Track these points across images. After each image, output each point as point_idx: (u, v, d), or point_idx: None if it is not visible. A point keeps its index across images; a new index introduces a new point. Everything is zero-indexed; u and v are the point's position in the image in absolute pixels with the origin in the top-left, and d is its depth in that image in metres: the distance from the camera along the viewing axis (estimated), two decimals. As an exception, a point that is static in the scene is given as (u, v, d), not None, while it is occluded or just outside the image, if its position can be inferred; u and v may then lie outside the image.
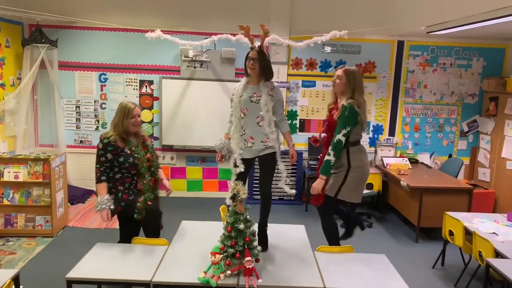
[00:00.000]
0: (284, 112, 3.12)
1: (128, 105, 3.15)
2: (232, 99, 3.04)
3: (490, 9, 3.83)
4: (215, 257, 2.55)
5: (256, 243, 2.65)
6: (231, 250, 2.54)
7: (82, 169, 6.07)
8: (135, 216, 3.07)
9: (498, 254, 3.19)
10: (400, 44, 5.99)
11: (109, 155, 3.07)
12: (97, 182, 3.09)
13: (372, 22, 5.74)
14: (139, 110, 3.23)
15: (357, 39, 5.78)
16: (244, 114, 2.93)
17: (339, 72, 3.17)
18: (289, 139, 3.08)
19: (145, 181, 3.18)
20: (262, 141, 2.95)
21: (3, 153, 4.82)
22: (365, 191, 5.44)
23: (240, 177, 2.95)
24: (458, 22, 4.46)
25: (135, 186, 3.18)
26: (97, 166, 3.08)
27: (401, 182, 4.96)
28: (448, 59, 6.05)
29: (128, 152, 3.10)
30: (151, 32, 4.73)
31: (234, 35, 4.44)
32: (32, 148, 5.68)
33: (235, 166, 3.01)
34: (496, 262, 2.94)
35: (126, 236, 3.29)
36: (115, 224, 5.01)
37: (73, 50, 5.82)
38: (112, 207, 3.05)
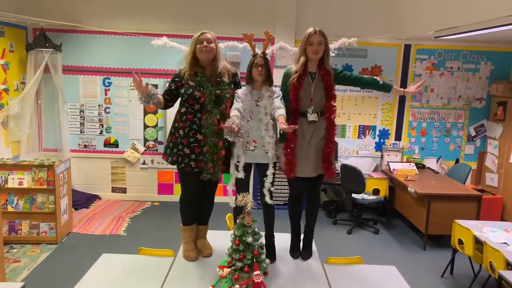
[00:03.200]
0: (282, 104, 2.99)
1: (199, 32, 2.83)
2: (237, 98, 2.91)
3: (500, 16, 3.77)
4: (223, 271, 2.49)
5: (264, 256, 2.60)
6: (239, 264, 2.48)
7: (86, 173, 6.05)
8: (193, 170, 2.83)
9: (509, 265, 3.14)
10: (407, 48, 5.93)
11: (173, 85, 2.88)
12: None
13: (380, 26, 5.69)
14: (211, 36, 2.80)
15: (364, 43, 5.72)
16: (250, 117, 2.90)
17: (319, 36, 2.79)
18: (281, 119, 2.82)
19: (209, 119, 2.78)
20: (263, 146, 2.91)
21: (7, 159, 4.79)
22: (372, 197, 5.40)
23: (242, 183, 2.91)
24: (466, 28, 4.40)
25: (198, 132, 2.83)
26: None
27: (409, 189, 4.90)
28: (455, 63, 5.99)
29: (191, 83, 2.80)
30: (157, 39, 4.66)
31: (241, 39, 4.39)
32: (36, 153, 5.66)
33: (236, 170, 2.94)
34: (508, 275, 2.88)
35: (190, 189, 2.96)
36: (120, 230, 4.99)
37: (77, 54, 5.79)
38: (151, 93, 2.72)
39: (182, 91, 2.81)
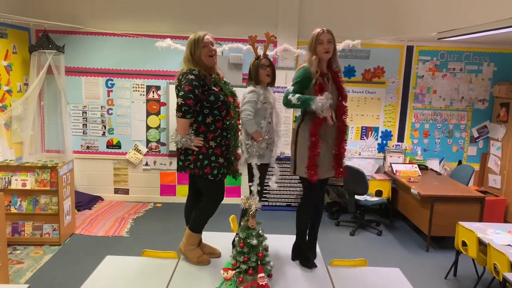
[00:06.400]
0: None
1: (197, 33, 2.66)
2: (258, 102, 2.79)
3: (503, 18, 3.76)
4: (227, 273, 2.49)
5: (268, 258, 2.60)
6: (243, 266, 2.49)
7: (88, 175, 6.05)
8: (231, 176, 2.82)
9: (513, 267, 3.14)
10: (409, 49, 5.92)
11: (200, 90, 2.57)
12: (181, 117, 2.57)
13: (382, 27, 5.69)
14: (212, 39, 2.71)
15: (366, 44, 5.72)
16: (271, 119, 2.93)
17: (328, 35, 2.73)
18: None
19: (232, 121, 2.74)
20: (277, 145, 2.97)
21: (10, 160, 4.79)
22: (375, 198, 5.39)
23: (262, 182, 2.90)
24: (469, 29, 4.39)
25: (226, 138, 2.75)
26: (189, 98, 2.52)
27: (412, 190, 4.89)
28: (458, 64, 5.98)
29: (215, 89, 2.67)
30: (161, 41, 4.63)
31: (244, 41, 4.38)
32: (39, 154, 5.67)
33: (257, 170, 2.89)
34: (513, 277, 2.87)
35: (222, 196, 2.89)
36: (122, 231, 4.99)
37: (80, 55, 5.80)
38: (192, 144, 2.63)
39: (212, 98, 2.63)
